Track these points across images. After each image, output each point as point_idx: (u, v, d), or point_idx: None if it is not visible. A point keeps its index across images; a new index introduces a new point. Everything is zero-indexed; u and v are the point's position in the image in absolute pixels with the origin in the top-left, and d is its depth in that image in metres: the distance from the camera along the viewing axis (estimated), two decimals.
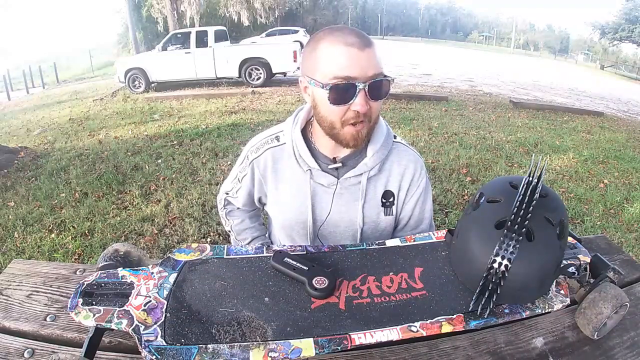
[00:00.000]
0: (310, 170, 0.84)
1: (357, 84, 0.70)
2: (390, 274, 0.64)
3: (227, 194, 1.01)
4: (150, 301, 0.57)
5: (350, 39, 0.71)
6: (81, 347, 0.54)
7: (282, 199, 0.89)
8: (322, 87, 0.72)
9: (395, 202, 0.88)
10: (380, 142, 0.84)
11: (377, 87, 0.73)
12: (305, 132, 0.87)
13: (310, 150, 0.85)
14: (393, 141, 0.88)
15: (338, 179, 0.85)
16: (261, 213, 1.08)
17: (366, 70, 0.71)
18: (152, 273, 0.62)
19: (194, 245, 0.68)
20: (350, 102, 0.72)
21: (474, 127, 5.38)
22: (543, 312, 0.59)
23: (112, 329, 0.54)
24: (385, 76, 0.74)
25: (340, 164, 0.84)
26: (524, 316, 0.58)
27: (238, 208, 1.03)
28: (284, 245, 0.71)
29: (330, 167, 0.85)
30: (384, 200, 0.87)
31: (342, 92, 0.71)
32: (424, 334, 0.54)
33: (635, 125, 6.76)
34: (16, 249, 2.46)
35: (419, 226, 0.93)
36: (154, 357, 0.49)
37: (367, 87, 0.71)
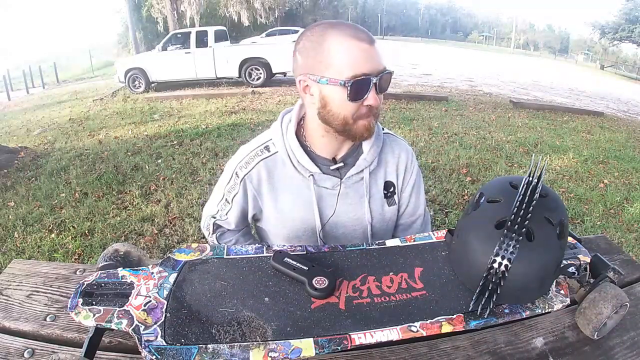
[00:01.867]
0: (312, 175, 0.82)
1: (371, 78, 0.71)
2: (390, 274, 0.64)
3: (214, 217, 0.93)
4: (150, 301, 0.57)
5: (357, 33, 0.71)
6: (81, 347, 0.54)
7: (284, 210, 0.86)
8: (343, 85, 0.70)
9: (395, 191, 0.89)
10: (373, 135, 0.84)
11: (385, 81, 0.74)
12: (298, 137, 0.83)
13: (307, 154, 0.82)
14: (383, 133, 0.89)
15: (341, 179, 0.84)
16: (251, 229, 1.02)
17: (377, 64, 0.71)
18: (152, 273, 0.62)
19: (194, 245, 0.68)
20: (364, 97, 0.72)
21: (474, 127, 5.38)
22: (543, 312, 0.59)
23: (112, 329, 0.54)
24: (390, 70, 0.75)
25: (341, 164, 0.84)
26: (524, 316, 0.58)
27: (229, 230, 0.95)
28: (284, 246, 0.71)
29: (332, 168, 0.84)
30: (385, 192, 0.88)
31: (360, 89, 0.71)
32: (424, 334, 0.54)
33: (635, 125, 6.76)
34: (16, 249, 2.46)
35: (416, 212, 0.94)
36: (154, 357, 0.49)
37: (378, 81, 0.71)
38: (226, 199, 0.88)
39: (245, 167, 0.84)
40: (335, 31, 0.71)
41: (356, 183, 0.85)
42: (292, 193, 0.84)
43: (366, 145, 0.84)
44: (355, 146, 0.85)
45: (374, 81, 0.71)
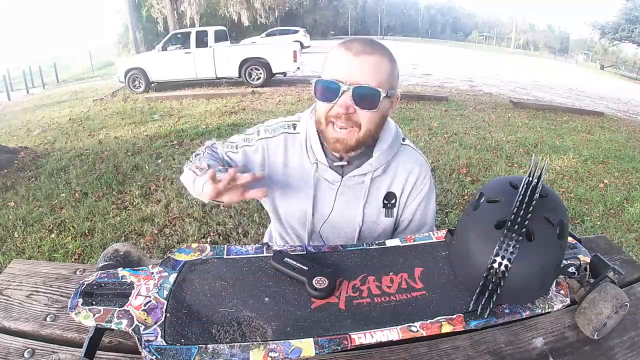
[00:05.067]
0: (317, 163, 0.85)
1: (340, 85, 0.73)
2: (390, 274, 0.64)
3: (214, 144, 0.92)
4: (150, 301, 0.57)
5: (353, 45, 0.74)
6: (81, 347, 0.54)
7: (287, 186, 0.90)
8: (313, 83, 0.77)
9: (396, 204, 0.88)
10: (387, 143, 0.85)
11: (362, 95, 0.74)
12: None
13: (322, 144, 0.85)
14: (401, 143, 0.88)
15: (342, 176, 0.85)
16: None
17: (351, 75, 0.73)
18: (152, 273, 0.62)
19: (194, 245, 0.68)
20: (334, 101, 0.75)
21: (474, 127, 5.38)
22: (543, 312, 0.59)
23: (112, 329, 0.54)
24: (375, 88, 0.73)
25: (345, 162, 0.85)
26: (524, 316, 0.58)
27: (215, 160, 0.88)
28: (284, 245, 0.72)
29: (335, 164, 0.85)
30: (385, 202, 0.88)
31: (325, 89, 0.75)
32: (424, 334, 0.54)
33: (635, 125, 6.76)
34: (16, 249, 2.46)
35: (419, 231, 0.92)
36: (154, 357, 0.49)
37: (350, 90, 0.73)
38: (237, 145, 0.90)
39: (271, 133, 0.89)
40: (340, 43, 0.77)
41: (356, 185, 0.86)
42: (298, 174, 0.88)
43: (376, 151, 0.85)
44: (366, 150, 0.85)
45: (344, 89, 0.73)
